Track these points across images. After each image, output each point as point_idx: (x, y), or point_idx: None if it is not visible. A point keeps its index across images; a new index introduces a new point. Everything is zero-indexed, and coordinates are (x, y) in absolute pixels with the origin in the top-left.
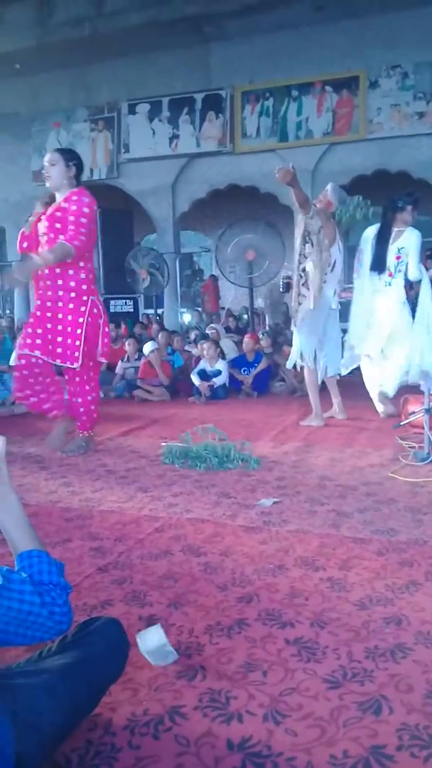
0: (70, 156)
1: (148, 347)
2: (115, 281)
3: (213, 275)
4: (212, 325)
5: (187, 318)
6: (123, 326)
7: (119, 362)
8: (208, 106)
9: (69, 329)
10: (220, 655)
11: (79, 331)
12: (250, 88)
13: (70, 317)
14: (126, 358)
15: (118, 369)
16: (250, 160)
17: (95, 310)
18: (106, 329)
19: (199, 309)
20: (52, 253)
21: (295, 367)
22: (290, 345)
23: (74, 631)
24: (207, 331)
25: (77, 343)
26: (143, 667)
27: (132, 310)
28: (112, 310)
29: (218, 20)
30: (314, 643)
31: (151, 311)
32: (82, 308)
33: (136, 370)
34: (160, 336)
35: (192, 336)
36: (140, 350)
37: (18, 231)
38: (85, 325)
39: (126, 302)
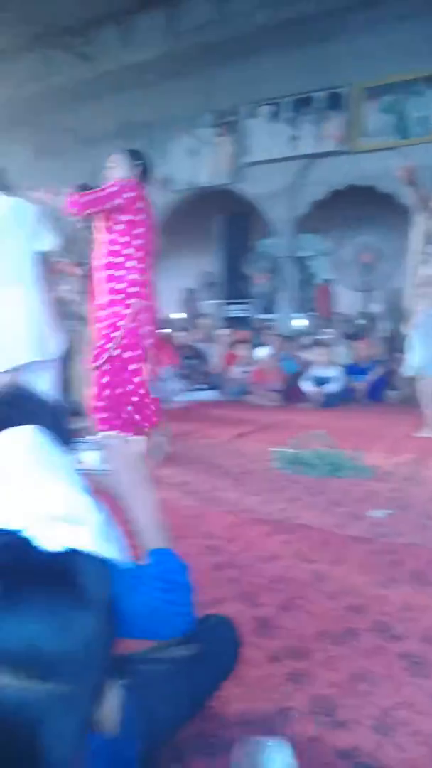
0: (134, 156)
1: (261, 352)
2: (230, 286)
3: (327, 279)
4: (327, 330)
5: (300, 323)
6: (241, 331)
7: (234, 366)
8: (328, 104)
9: None
10: (329, 663)
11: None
12: (371, 84)
13: None
14: (241, 363)
15: (234, 373)
16: (369, 159)
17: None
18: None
19: (313, 314)
20: None
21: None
22: (405, 352)
23: None
24: (321, 337)
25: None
26: (255, 665)
27: (247, 314)
28: (230, 315)
29: (340, 16)
30: (425, 659)
31: (265, 316)
32: None
33: (250, 375)
34: (273, 341)
35: (305, 341)
36: (254, 355)
37: None
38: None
39: (243, 307)
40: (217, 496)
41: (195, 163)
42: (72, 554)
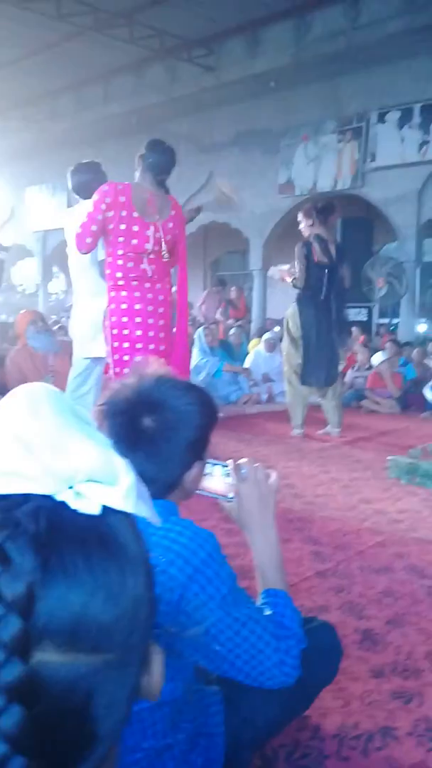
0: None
1: (377, 357)
2: (350, 290)
3: None
4: None
5: (423, 329)
6: (362, 335)
7: (349, 370)
8: None
9: None
10: None
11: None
12: None
13: None
14: (356, 367)
15: (347, 377)
16: None
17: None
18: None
19: None
20: None
21: None
22: None
23: None
24: None
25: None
26: (357, 678)
27: (365, 318)
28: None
29: None
30: None
31: (385, 320)
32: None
33: (366, 379)
34: (389, 346)
35: (430, 348)
36: (370, 360)
37: (261, 242)
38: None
39: (360, 311)
40: (325, 502)
41: (316, 169)
42: (109, 515)
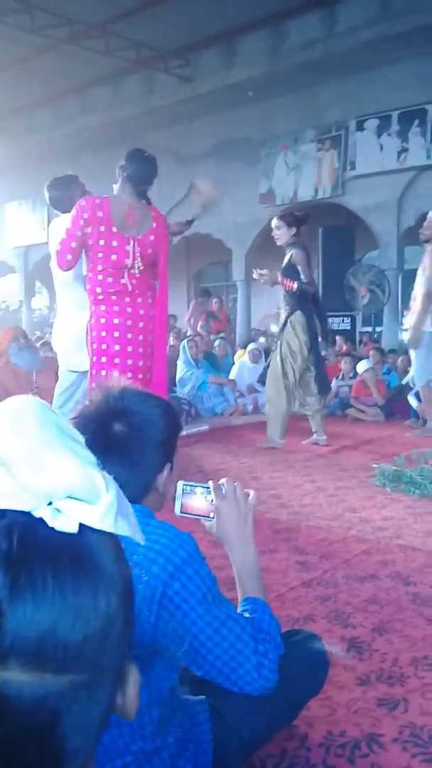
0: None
1: (362, 366)
2: (333, 298)
3: None
4: None
5: (406, 336)
6: (345, 344)
7: (333, 380)
8: None
9: None
10: (425, 690)
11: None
12: None
13: None
14: (341, 376)
15: (333, 386)
16: None
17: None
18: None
19: None
20: None
21: None
22: None
23: None
24: None
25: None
26: (343, 687)
27: (349, 327)
28: (328, 327)
29: None
30: None
31: (368, 329)
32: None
33: (350, 388)
34: (372, 354)
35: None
36: (355, 369)
37: (244, 252)
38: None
39: (343, 320)
40: (311, 511)
41: (297, 178)
42: (87, 534)
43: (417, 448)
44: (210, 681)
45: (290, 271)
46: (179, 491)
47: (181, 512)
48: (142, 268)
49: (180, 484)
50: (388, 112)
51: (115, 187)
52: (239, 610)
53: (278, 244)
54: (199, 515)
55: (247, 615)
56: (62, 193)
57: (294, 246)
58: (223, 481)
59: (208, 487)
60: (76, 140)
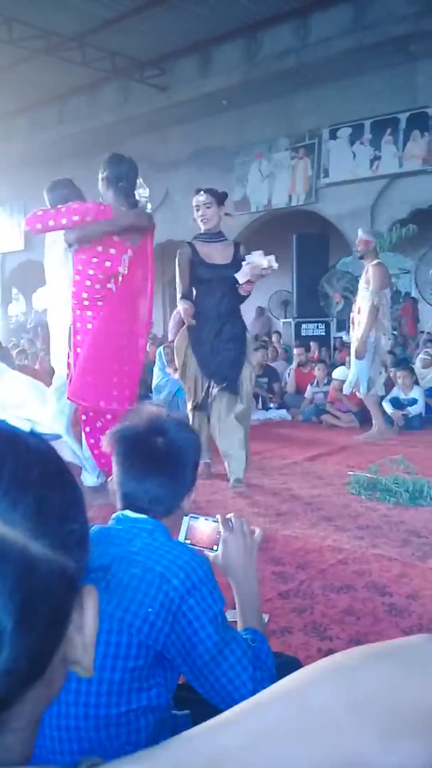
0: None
1: (339, 372)
2: (307, 305)
3: (412, 297)
4: (427, 350)
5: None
6: (316, 351)
7: (308, 386)
8: (413, 125)
9: None
10: None
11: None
12: None
13: None
14: (315, 383)
15: (307, 393)
16: None
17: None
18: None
19: (395, 333)
20: None
21: None
22: None
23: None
24: (423, 356)
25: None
26: None
27: (324, 333)
28: (303, 333)
29: (427, 38)
30: None
31: (343, 334)
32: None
33: (325, 394)
34: (348, 360)
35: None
36: (329, 375)
37: None
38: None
39: (318, 326)
40: (287, 520)
41: (271, 185)
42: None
43: (390, 456)
44: (195, 696)
45: (238, 269)
46: (185, 522)
47: (185, 540)
48: (128, 273)
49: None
50: (361, 120)
51: (107, 195)
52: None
53: (205, 227)
54: (203, 546)
55: (250, 642)
56: (67, 192)
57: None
58: (230, 515)
59: (216, 520)
60: (54, 148)
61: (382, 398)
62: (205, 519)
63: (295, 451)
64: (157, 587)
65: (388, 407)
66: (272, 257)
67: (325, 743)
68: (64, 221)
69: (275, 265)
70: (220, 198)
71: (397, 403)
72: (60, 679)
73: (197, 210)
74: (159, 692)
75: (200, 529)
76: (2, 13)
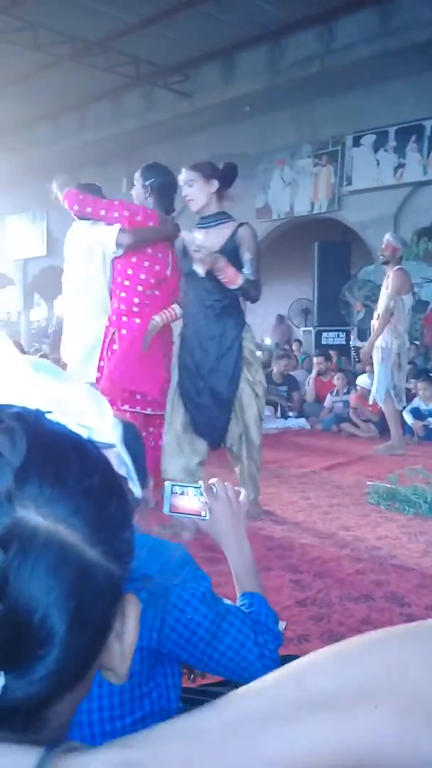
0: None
1: (361, 380)
2: (328, 313)
3: None
4: None
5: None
6: (332, 360)
7: (328, 395)
8: None
9: None
10: None
11: None
12: None
13: None
14: (335, 392)
15: (327, 402)
16: None
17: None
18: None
19: (417, 343)
20: None
21: None
22: None
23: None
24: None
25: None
26: None
27: (344, 342)
28: (323, 342)
29: None
30: None
31: (363, 344)
32: None
33: (345, 404)
34: (370, 369)
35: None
36: (349, 384)
37: None
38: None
39: (338, 334)
40: (306, 528)
41: (293, 192)
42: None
43: (410, 466)
44: (205, 696)
45: (234, 256)
46: (167, 491)
47: (171, 511)
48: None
49: (168, 484)
50: (385, 127)
51: (137, 198)
52: (238, 605)
53: (194, 209)
54: (191, 514)
55: (246, 610)
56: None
57: (231, 219)
58: (213, 481)
59: (199, 487)
60: (76, 155)
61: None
62: (190, 487)
63: (313, 460)
64: (138, 587)
65: (408, 418)
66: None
67: (329, 724)
68: (103, 212)
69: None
70: (206, 172)
71: (417, 414)
72: (90, 684)
73: (183, 191)
74: (160, 693)
75: (185, 497)
76: (28, 19)
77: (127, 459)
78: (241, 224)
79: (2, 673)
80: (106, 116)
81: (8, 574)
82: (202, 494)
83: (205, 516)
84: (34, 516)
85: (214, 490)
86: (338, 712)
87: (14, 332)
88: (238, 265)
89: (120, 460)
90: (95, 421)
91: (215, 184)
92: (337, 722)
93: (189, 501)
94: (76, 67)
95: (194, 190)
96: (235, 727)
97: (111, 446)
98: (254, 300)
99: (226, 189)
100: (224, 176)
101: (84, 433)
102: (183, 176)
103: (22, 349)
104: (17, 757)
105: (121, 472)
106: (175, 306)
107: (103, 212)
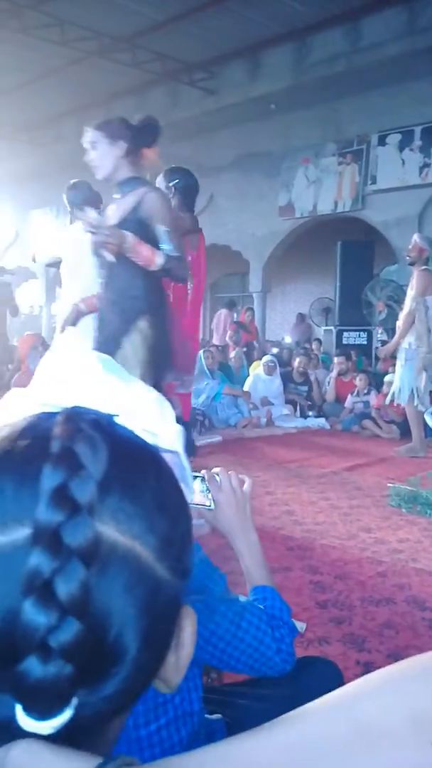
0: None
1: (389, 379)
2: (350, 313)
3: None
4: None
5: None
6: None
7: (348, 396)
8: None
9: None
10: None
11: None
12: None
13: None
14: (356, 392)
15: (347, 403)
16: None
17: None
18: None
19: None
20: None
21: None
22: None
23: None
24: None
25: None
26: None
27: (365, 342)
28: (344, 341)
29: None
30: None
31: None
32: None
33: (365, 404)
34: (392, 370)
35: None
36: (370, 385)
37: (261, 264)
38: None
39: (359, 334)
40: (325, 530)
41: (317, 191)
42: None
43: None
44: (226, 697)
45: (146, 232)
46: None
47: None
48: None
49: None
50: (411, 127)
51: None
52: (250, 599)
53: (99, 176)
54: (197, 503)
55: (260, 606)
56: (80, 194)
57: (143, 186)
58: (216, 470)
59: (203, 477)
60: None
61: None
62: (196, 475)
63: (333, 461)
64: None
65: (430, 420)
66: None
67: (380, 758)
68: None
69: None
70: (111, 132)
71: None
72: None
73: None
74: (182, 697)
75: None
76: (56, 15)
77: (187, 465)
78: (149, 190)
79: (76, 693)
80: (131, 112)
81: (90, 591)
82: (206, 485)
83: (210, 506)
84: (113, 531)
85: (218, 479)
86: (391, 749)
87: (36, 326)
88: (153, 241)
89: (179, 467)
90: (159, 426)
91: (122, 145)
92: (390, 759)
93: (193, 490)
94: (103, 63)
95: (99, 154)
96: (286, 760)
97: (174, 452)
98: (183, 280)
99: (144, 148)
100: (136, 135)
101: (149, 439)
102: (86, 137)
103: (44, 343)
104: (77, 765)
105: (181, 479)
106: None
107: None
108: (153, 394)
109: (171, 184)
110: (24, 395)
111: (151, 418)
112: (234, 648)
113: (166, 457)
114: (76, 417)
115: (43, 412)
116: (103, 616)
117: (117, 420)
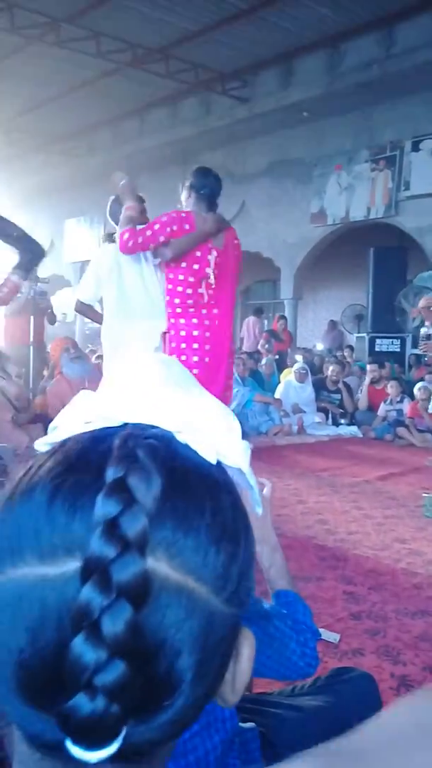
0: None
1: (420, 386)
2: (383, 320)
3: None
4: None
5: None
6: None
7: (381, 404)
8: None
9: None
10: None
11: None
12: None
13: None
14: (389, 401)
15: (380, 411)
16: None
17: None
18: None
19: None
20: None
21: None
22: None
23: (327, 676)
24: None
25: None
26: None
27: (398, 349)
28: (377, 349)
29: None
30: None
31: (418, 351)
32: None
33: (399, 412)
34: (428, 378)
35: None
36: (403, 392)
37: (293, 271)
38: None
39: (392, 341)
40: (359, 539)
41: (349, 197)
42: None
43: None
44: (260, 705)
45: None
46: None
47: None
48: (217, 278)
49: None
50: None
51: (188, 203)
52: (272, 603)
53: None
54: None
55: (284, 611)
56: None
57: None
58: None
59: None
60: (134, 160)
61: None
62: None
63: (366, 470)
64: None
65: None
66: None
67: None
68: (161, 238)
69: None
70: None
71: None
72: None
73: None
74: (213, 704)
75: None
76: (92, 28)
77: (254, 484)
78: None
79: (125, 725)
80: (165, 122)
81: (138, 630)
82: None
83: None
84: (165, 567)
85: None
86: None
87: (70, 333)
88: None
89: (246, 483)
90: (225, 441)
91: None
92: None
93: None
94: (137, 74)
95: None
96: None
97: (237, 470)
98: (40, 254)
99: None
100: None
101: (213, 455)
102: None
103: (76, 346)
104: None
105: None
106: (13, 277)
107: (140, 240)
108: (220, 407)
109: (186, 184)
110: (91, 400)
111: (217, 434)
112: (261, 653)
113: (231, 474)
114: (133, 440)
115: (103, 429)
116: (153, 653)
117: (179, 437)
